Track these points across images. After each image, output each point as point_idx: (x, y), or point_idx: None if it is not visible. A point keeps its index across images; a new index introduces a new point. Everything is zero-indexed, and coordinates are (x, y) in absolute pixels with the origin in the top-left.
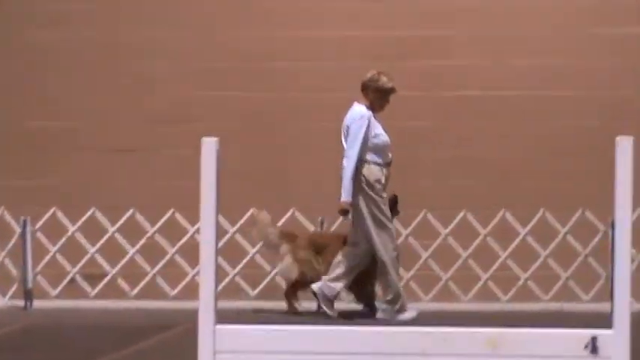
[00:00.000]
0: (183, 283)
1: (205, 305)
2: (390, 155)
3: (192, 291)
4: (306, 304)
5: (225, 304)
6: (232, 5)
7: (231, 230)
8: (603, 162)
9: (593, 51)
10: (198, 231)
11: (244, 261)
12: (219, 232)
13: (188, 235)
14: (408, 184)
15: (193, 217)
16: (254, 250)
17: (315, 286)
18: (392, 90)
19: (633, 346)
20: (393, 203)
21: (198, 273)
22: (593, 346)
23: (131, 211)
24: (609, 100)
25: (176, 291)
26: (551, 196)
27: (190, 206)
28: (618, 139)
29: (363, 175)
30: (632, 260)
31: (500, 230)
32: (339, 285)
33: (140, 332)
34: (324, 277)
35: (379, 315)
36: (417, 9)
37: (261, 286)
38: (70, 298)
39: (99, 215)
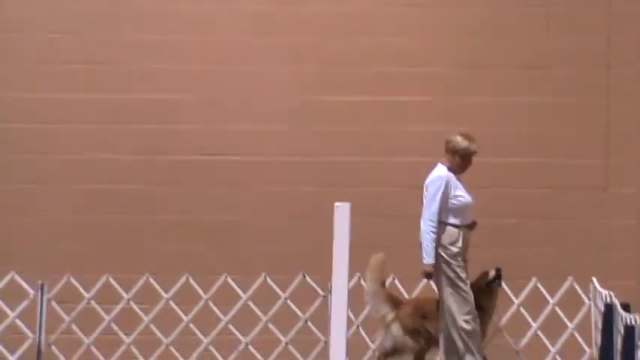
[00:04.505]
0: None
1: None
2: (470, 217)
3: None
4: None
5: None
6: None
7: None
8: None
9: None
10: None
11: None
12: None
13: None
14: None
15: None
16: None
17: None
18: (474, 152)
19: None
20: (497, 276)
21: None
22: None
23: None
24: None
25: None
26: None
27: None
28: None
29: (439, 237)
30: None
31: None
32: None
33: None
34: (439, 356)
35: None
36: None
37: None
38: None
39: None
